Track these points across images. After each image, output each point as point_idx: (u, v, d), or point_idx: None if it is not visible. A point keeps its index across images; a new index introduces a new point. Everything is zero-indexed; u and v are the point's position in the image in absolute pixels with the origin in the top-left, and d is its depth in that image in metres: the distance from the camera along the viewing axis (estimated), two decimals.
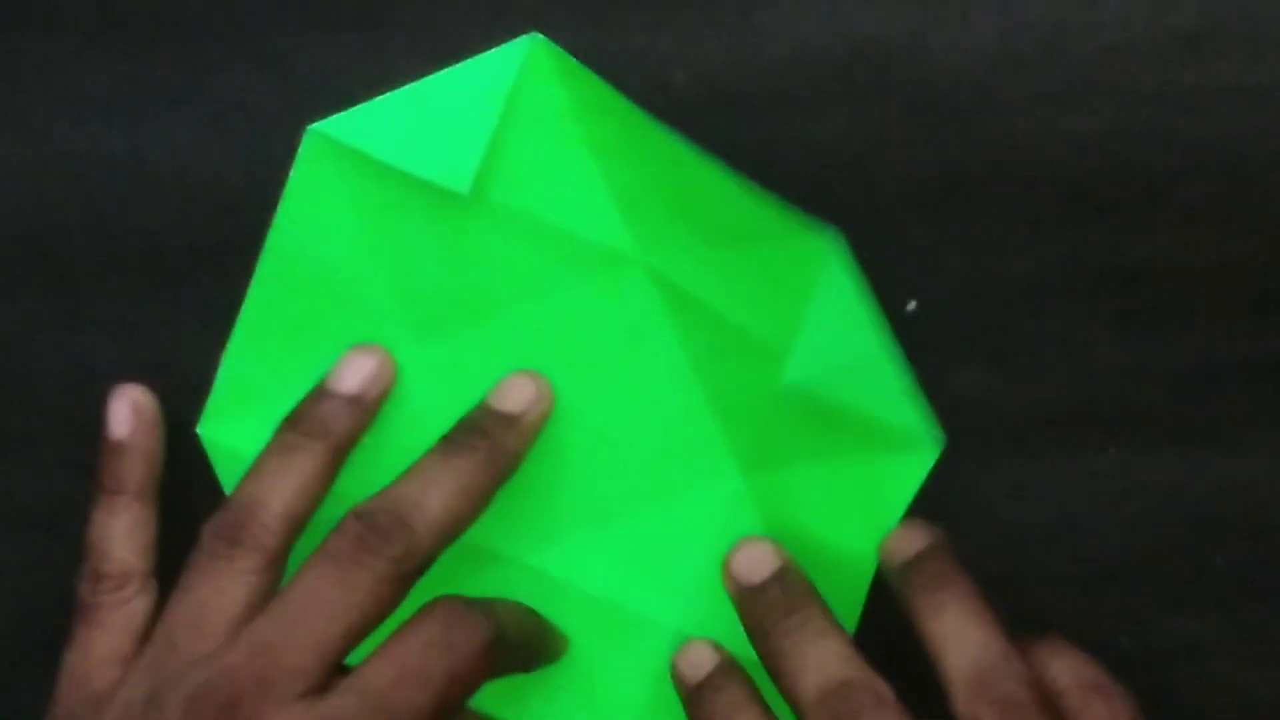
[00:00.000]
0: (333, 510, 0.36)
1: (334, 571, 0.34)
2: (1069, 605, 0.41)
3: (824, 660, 0.34)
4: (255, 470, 0.36)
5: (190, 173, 0.40)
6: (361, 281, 0.38)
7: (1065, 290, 0.39)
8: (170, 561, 0.42)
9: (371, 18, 0.39)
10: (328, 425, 0.36)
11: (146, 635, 0.36)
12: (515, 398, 0.38)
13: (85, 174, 0.40)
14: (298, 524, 0.35)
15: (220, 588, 0.34)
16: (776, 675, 0.35)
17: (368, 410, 0.37)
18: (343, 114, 0.37)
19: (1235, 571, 0.40)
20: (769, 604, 0.36)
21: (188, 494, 0.42)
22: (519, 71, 0.36)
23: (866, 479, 0.39)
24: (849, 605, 0.40)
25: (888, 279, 0.39)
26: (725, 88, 0.39)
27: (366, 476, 0.37)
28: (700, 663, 0.38)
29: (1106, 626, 0.41)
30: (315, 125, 0.37)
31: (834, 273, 0.38)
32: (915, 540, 0.37)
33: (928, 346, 0.39)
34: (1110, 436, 0.40)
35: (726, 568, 0.37)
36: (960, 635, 0.35)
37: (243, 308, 0.38)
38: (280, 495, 0.35)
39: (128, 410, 0.38)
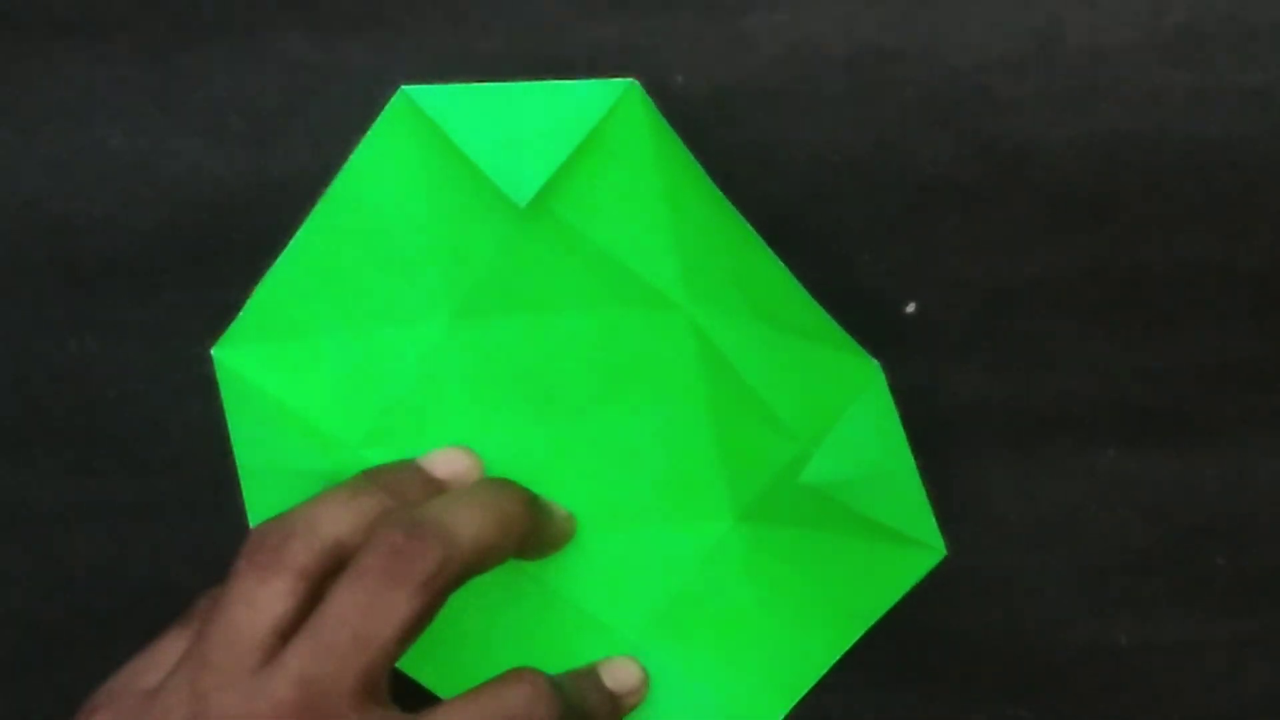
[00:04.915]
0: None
1: (368, 592, 0.33)
2: (1069, 605, 0.41)
3: None
4: (320, 497, 0.35)
5: (190, 173, 0.40)
6: (411, 246, 0.38)
7: (1065, 290, 0.39)
8: (161, 561, 0.42)
9: (372, 19, 0.39)
10: (404, 491, 0.36)
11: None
12: (554, 507, 0.39)
13: (86, 174, 0.40)
14: (344, 554, 0.34)
15: (256, 604, 0.33)
16: None
17: None
18: (437, 86, 0.36)
19: (1235, 571, 0.40)
20: None
21: (188, 494, 0.42)
22: (609, 110, 0.36)
23: (861, 561, 0.39)
24: (812, 668, 0.40)
25: (888, 279, 0.39)
26: (725, 88, 0.39)
27: (382, 442, 0.38)
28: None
29: (1106, 626, 0.41)
30: (407, 87, 0.36)
31: (876, 393, 0.38)
32: None
33: (928, 346, 0.39)
34: (1110, 436, 0.40)
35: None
36: None
37: (290, 243, 0.38)
38: (335, 522, 0.34)
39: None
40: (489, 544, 0.35)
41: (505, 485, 0.37)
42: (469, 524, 0.34)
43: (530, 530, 0.37)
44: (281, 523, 0.34)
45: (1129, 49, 0.38)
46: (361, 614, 0.33)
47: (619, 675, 0.40)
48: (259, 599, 0.33)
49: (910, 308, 0.39)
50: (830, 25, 0.38)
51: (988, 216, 0.39)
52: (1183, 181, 0.38)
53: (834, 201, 0.39)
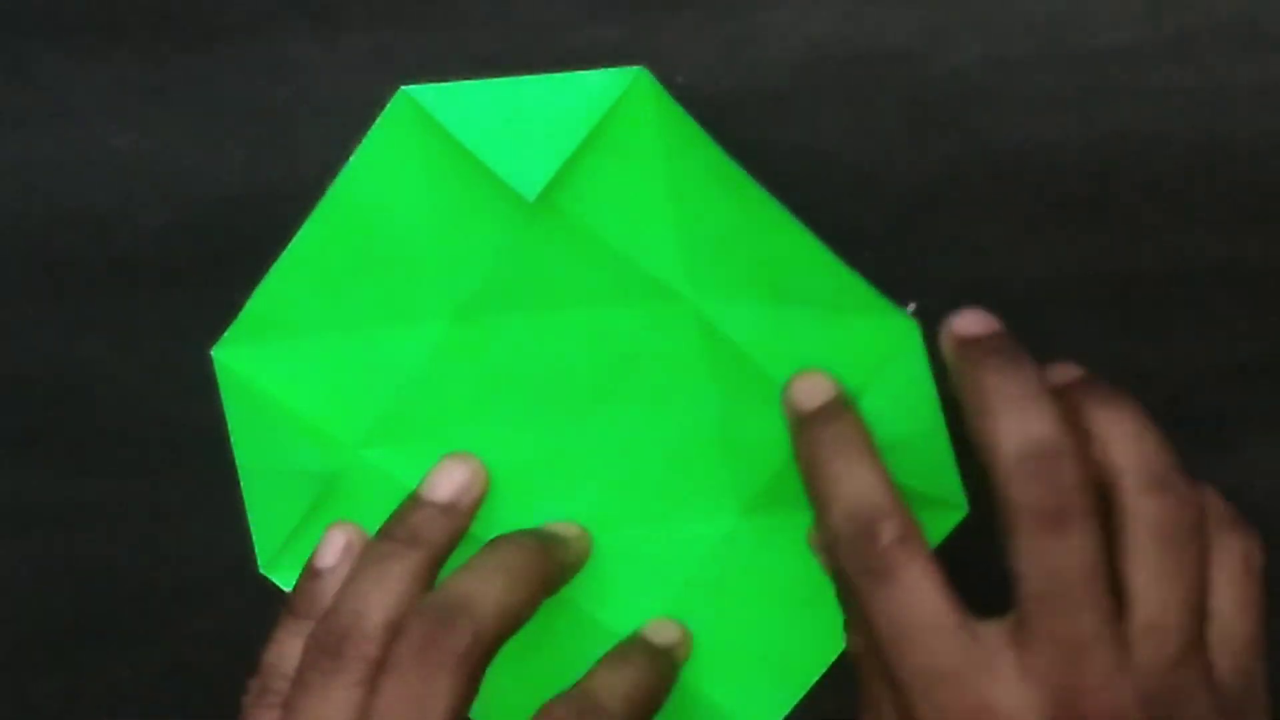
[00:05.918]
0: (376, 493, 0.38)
1: (411, 685, 0.34)
2: None
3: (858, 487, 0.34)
4: (353, 580, 0.36)
5: (191, 173, 0.40)
6: (413, 247, 0.37)
7: (1065, 291, 0.39)
8: (166, 573, 0.42)
9: (374, 19, 0.39)
10: (421, 534, 0.37)
11: None
12: (567, 531, 0.39)
13: (87, 174, 0.40)
14: (398, 630, 0.35)
15: (327, 702, 0.34)
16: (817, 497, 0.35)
17: (461, 518, 0.38)
18: (438, 85, 0.36)
19: None
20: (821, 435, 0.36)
21: (188, 494, 0.42)
22: (617, 100, 0.36)
23: None
24: (818, 657, 0.40)
25: (888, 279, 0.39)
26: (725, 88, 0.39)
27: (381, 443, 0.39)
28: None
29: None
30: (408, 88, 0.36)
31: (909, 356, 0.37)
32: (982, 324, 0.35)
33: (928, 346, 0.39)
34: None
35: (787, 395, 0.37)
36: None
37: (291, 243, 0.38)
38: (380, 605, 0.35)
39: (341, 544, 0.38)
40: (515, 611, 0.35)
41: (523, 545, 0.37)
42: (493, 596, 0.35)
43: (554, 580, 0.37)
44: (331, 625, 0.35)
45: (1129, 49, 0.38)
46: (409, 707, 0.33)
47: None
48: (333, 696, 0.34)
49: (910, 308, 0.39)
50: (831, 25, 0.38)
51: (988, 216, 0.39)
52: (1183, 181, 0.38)
53: (834, 202, 0.39)
